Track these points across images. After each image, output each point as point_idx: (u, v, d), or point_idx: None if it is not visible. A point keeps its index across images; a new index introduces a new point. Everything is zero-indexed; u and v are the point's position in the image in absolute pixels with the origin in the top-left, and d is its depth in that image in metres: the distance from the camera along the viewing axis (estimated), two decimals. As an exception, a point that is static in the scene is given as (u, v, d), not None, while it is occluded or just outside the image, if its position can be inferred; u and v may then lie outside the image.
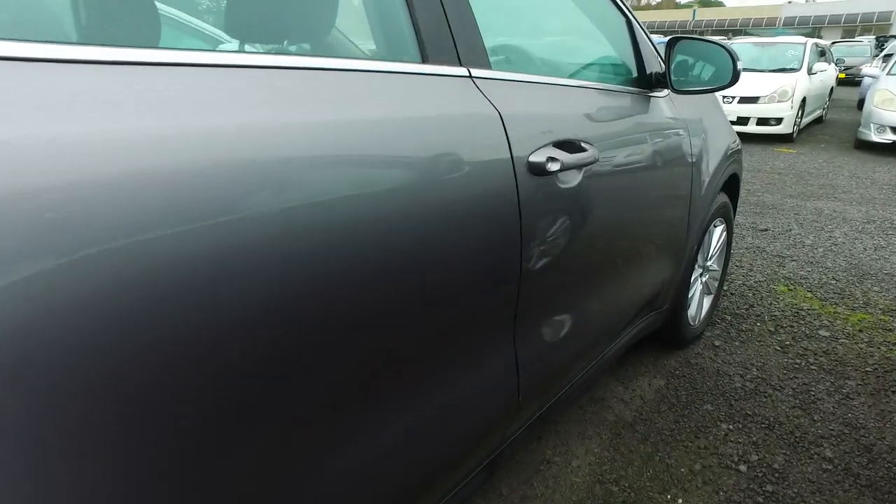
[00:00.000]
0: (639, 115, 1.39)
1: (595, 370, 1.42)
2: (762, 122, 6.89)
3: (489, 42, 0.94)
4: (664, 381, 1.96)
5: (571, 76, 1.41)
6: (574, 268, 1.10)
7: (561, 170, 0.94)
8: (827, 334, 2.27)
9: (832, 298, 2.61)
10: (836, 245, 3.36)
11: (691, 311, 2.10)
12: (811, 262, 3.07)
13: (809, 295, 2.65)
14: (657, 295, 1.70)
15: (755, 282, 2.81)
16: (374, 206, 0.65)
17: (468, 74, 0.86)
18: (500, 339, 0.95)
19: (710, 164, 1.82)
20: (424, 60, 0.82)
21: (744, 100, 6.90)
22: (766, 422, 1.73)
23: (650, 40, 1.57)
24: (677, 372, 2.02)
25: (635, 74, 1.50)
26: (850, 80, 13.82)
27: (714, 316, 2.43)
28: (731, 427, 1.71)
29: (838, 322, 2.37)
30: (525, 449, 1.62)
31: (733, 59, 1.44)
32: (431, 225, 0.73)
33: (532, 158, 0.89)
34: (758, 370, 2.01)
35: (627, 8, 1.50)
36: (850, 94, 12.15)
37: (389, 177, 0.69)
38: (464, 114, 0.82)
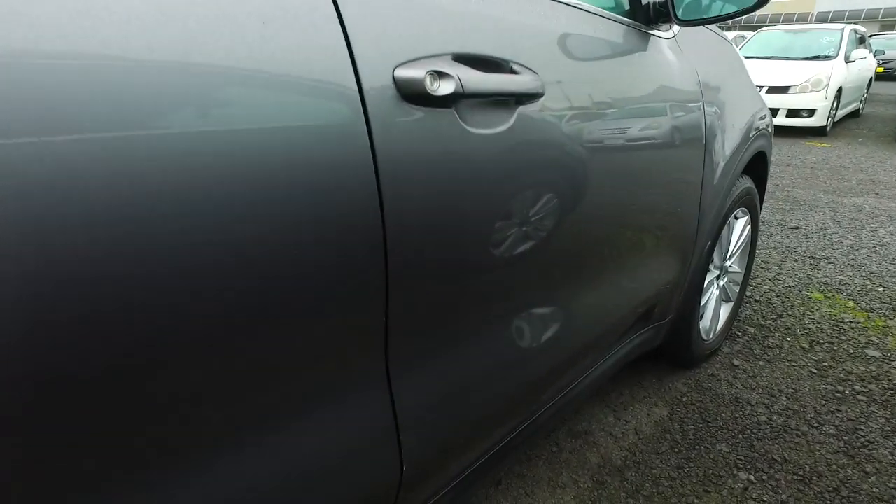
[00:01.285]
0: (627, 54, 1.00)
1: (552, 411, 1.02)
2: (793, 113, 6.36)
3: None
4: (667, 409, 1.56)
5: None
6: (506, 263, 0.71)
7: (464, 95, 0.56)
8: (876, 354, 1.83)
9: (880, 309, 2.16)
10: (881, 246, 2.89)
11: (704, 322, 1.69)
12: (852, 266, 2.62)
13: (851, 304, 2.20)
14: (654, 305, 1.30)
15: (784, 287, 2.38)
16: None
17: None
18: (355, 375, 0.57)
19: (731, 137, 1.41)
20: None
21: (773, 89, 6.38)
22: (800, 472, 1.32)
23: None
24: (685, 398, 1.61)
25: (626, 5, 1.10)
26: (890, 75, 13.02)
27: (733, 328, 2.01)
28: (752, 478, 1.30)
29: (890, 339, 1.93)
30: (471, 499, 1.24)
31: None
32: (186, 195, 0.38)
33: (401, 73, 0.52)
34: (788, 399, 1.59)
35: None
36: (887, 89, 11.41)
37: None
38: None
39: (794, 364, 1.78)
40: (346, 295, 0.52)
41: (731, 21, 1.11)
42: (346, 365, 0.56)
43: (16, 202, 0.32)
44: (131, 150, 0.37)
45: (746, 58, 6.68)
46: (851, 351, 1.85)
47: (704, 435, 1.45)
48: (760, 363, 1.79)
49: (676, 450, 1.40)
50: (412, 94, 0.52)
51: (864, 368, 1.75)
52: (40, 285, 0.34)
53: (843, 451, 1.39)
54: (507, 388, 0.84)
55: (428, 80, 0.52)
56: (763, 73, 6.36)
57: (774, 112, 6.38)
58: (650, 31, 1.10)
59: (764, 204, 2.66)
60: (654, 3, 1.11)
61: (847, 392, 1.63)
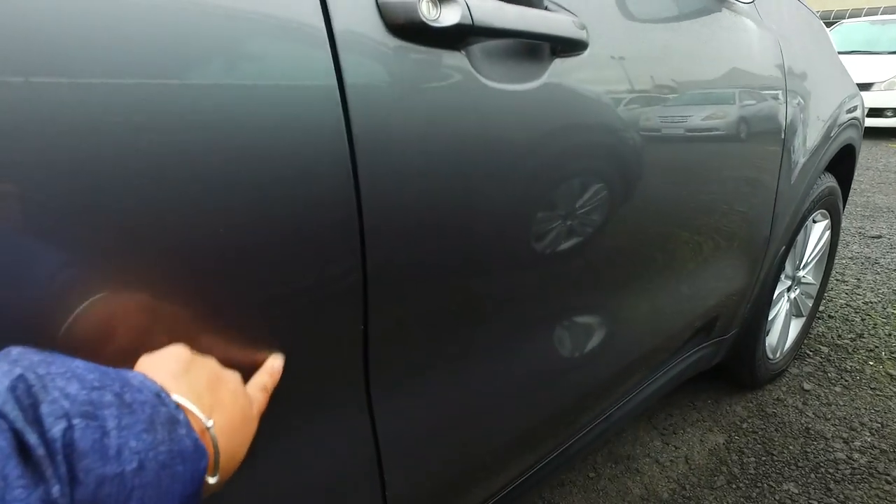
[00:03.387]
0: (702, 14, 0.83)
1: (589, 438, 0.86)
2: (875, 112, 5.83)
3: None
4: (724, 437, 1.37)
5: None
6: (527, 263, 0.57)
7: (475, 30, 0.42)
8: (981, 387, 1.56)
9: (984, 333, 1.86)
10: (982, 260, 2.53)
11: (771, 338, 1.48)
12: (947, 282, 2.30)
13: (948, 326, 1.91)
14: (716, 317, 1.11)
15: (864, 303, 2.10)
16: None
17: None
18: (328, 397, 0.44)
19: (814, 130, 1.21)
20: None
21: (852, 86, 5.86)
22: (888, 526, 1.11)
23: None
24: (745, 425, 1.41)
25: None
26: None
27: (803, 346, 1.77)
28: (827, 527, 1.10)
29: None
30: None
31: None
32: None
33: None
34: (873, 435, 1.36)
35: None
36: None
37: None
38: None
39: (879, 393, 1.53)
40: (311, 298, 0.39)
41: None
42: (318, 386, 0.43)
43: None
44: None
45: (822, 52, 6.19)
46: (950, 381, 1.58)
47: (768, 470, 1.25)
48: (836, 389, 1.55)
49: (734, 486, 1.21)
50: (402, 23, 0.38)
51: (966, 403, 1.49)
52: None
53: (943, 504, 1.16)
54: (527, 414, 0.70)
55: (424, 4, 0.38)
56: (842, 69, 5.86)
57: (853, 111, 5.87)
58: (726, -5, 0.92)
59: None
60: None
61: (946, 430, 1.38)
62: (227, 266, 0.35)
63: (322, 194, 0.37)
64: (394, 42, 0.39)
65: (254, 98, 0.34)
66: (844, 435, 1.36)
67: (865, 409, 1.46)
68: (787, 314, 1.54)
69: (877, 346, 1.78)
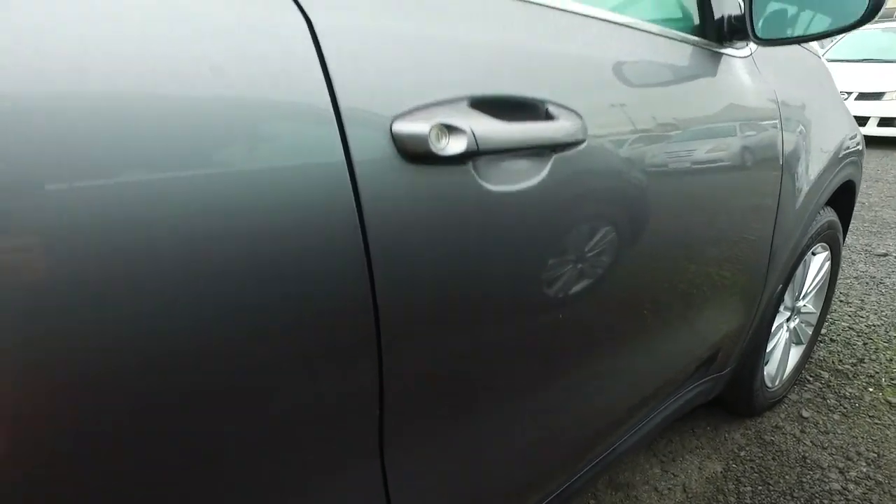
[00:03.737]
0: (694, 79, 0.87)
1: (590, 475, 0.91)
2: (886, 122, 5.79)
3: None
4: (722, 465, 1.41)
5: None
6: (535, 330, 0.62)
7: (480, 152, 0.47)
8: (979, 417, 1.59)
9: None
10: None
11: (770, 367, 1.51)
12: (951, 304, 2.31)
13: (949, 351, 1.93)
14: (714, 355, 1.15)
15: (867, 326, 2.12)
16: None
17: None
18: (340, 456, 0.49)
19: (813, 166, 1.24)
20: None
21: (863, 96, 5.83)
22: (879, 560, 1.14)
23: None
24: (743, 453, 1.45)
25: (696, 20, 0.97)
26: None
27: (804, 370, 1.80)
28: (819, 560, 1.14)
29: None
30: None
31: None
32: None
33: (400, 127, 0.43)
34: (869, 465, 1.40)
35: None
36: None
37: None
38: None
39: (877, 422, 1.56)
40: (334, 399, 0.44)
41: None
42: (333, 453, 0.48)
43: None
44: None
45: (835, 61, 6.15)
46: (948, 410, 1.61)
47: (764, 500, 1.29)
48: (835, 417, 1.58)
49: (730, 515, 1.25)
50: (415, 153, 0.43)
51: (963, 434, 1.51)
52: None
53: (934, 539, 1.19)
54: (538, 459, 0.74)
55: (433, 136, 0.43)
56: (852, 78, 5.82)
57: (864, 121, 5.83)
58: (722, 51, 0.96)
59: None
60: (730, 18, 0.97)
61: (941, 462, 1.41)
62: (245, 342, 0.39)
63: (340, 303, 0.42)
64: (406, 167, 0.44)
65: (280, 223, 0.39)
66: (840, 465, 1.40)
67: (863, 438, 1.49)
68: (786, 343, 1.57)
69: (877, 372, 1.80)
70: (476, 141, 0.45)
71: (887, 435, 1.50)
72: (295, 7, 0.40)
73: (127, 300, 0.33)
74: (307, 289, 0.41)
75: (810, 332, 1.68)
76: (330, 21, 0.42)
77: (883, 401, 1.65)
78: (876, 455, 1.43)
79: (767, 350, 1.44)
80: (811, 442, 1.48)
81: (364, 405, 0.48)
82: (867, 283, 2.54)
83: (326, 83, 0.40)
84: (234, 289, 0.37)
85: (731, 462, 1.42)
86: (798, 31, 0.92)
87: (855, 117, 5.75)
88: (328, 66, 0.41)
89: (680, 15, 0.96)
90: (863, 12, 0.85)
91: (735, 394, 1.42)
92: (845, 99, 5.81)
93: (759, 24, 0.90)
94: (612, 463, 1.01)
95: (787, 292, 1.41)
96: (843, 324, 2.14)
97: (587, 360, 0.75)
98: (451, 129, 0.45)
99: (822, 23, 0.91)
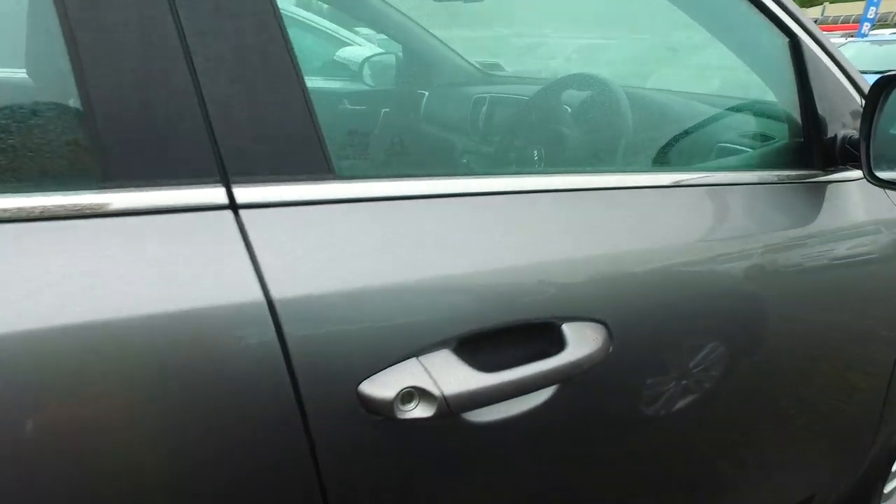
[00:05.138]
0: (786, 228, 0.74)
1: None
2: None
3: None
4: None
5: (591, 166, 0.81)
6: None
7: (474, 405, 0.43)
8: None
9: None
10: None
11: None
12: None
13: None
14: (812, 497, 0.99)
15: None
16: None
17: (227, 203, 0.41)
18: None
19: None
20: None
21: None
22: None
23: (849, 75, 0.86)
24: None
25: (787, 137, 0.83)
26: None
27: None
28: None
29: None
30: None
31: None
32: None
33: (367, 389, 0.41)
34: None
35: (799, 19, 0.83)
36: None
37: None
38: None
39: None
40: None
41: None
42: None
43: None
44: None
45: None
46: None
47: None
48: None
49: None
50: (380, 413, 0.41)
51: None
52: None
53: None
54: None
55: (398, 401, 0.41)
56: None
57: None
58: (828, 179, 0.81)
59: None
60: (842, 140, 0.81)
61: None
62: None
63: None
64: (371, 418, 0.42)
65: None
66: None
67: None
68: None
69: None
70: (448, 404, 0.42)
71: None
72: (244, 251, 0.40)
73: None
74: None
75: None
76: (282, 261, 0.41)
77: None
78: None
79: (886, 491, 1.20)
80: None
81: None
82: None
83: (281, 348, 0.39)
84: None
85: None
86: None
87: None
88: (282, 324, 0.40)
89: (767, 135, 0.83)
90: None
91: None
92: None
93: (874, 161, 0.74)
94: None
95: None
96: None
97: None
98: (421, 394, 0.42)
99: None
